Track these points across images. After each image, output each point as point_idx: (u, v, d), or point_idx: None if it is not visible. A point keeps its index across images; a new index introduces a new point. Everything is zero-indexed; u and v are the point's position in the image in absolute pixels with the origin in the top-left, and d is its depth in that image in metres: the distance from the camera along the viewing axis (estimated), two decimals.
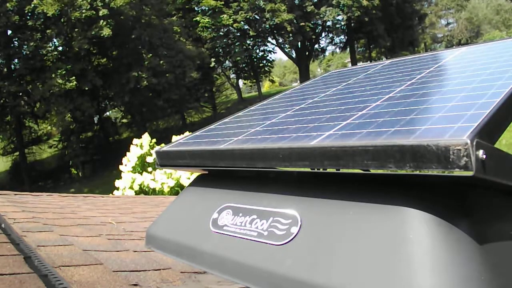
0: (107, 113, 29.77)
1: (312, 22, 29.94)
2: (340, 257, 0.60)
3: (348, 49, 36.43)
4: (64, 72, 21.02)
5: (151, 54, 22.67)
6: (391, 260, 0.55)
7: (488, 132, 0.56)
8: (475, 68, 0.96)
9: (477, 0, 49.89)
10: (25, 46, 21.46)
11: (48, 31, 21.51)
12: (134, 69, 22.01)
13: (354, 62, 35.68)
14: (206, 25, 27.04)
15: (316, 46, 34.64)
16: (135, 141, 7.87)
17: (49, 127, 27.56)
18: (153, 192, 6.85)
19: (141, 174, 7.24)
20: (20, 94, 21.88)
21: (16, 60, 22.49)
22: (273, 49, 37.94)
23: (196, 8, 28.67)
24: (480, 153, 0.49)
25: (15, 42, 22.45)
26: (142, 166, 7.60)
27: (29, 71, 21.71)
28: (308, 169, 0.80)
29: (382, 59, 33.27)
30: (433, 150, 0.51)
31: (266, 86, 43.86)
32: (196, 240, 0.85)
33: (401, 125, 0.65)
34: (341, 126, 0.75)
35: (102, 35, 20.75)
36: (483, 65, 0.96)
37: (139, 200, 4.07)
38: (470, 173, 0.49)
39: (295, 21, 28.05)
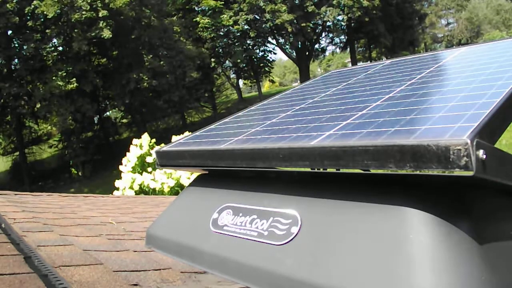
0: (107, 113, 29.77)
1: (312, 22, 29.96)
2: (340, 257, 0.60)
3: (348, 49, 36.44)
4: (64, 74, 21.03)
5: (151, 55, 22.68)
6: (391, 260, 0.55)
7: (488, 132, 0.55)
8: (475, 68, 0.96)
9: (477, 0, 49.90)
10: (25, 47, 21.46)
11: (47, 31, 21.51)
12: (135, 70, 22.02)
13: (354, 62, 35.69)
14: (206, 25, 27.04)
15: (316, 46, 34.66)
16: (134, 141, 7.88)
17: (49, 127, 27.58)
18: (153, 192, 6.85)
19: (141, 174, 7.24)
20: (21, 94, 21.89)
21: (16, 61, 22.49)
22: (273, 49, 37.98)
23: (196, 8, 28.68)
24: (480, 153, 0.49)
25: (15, 42, 22.46)
26: (141, 166, 7.61)
27: (29, 72, 21.72)
28: (308, 169, 0.80)
29: (382, 59, 33.29)
30: (433, 150, 0.51)
31: (266, 86, 43.86)
32: (196, 240, 0.85)
33: (401, 125, 0.65)
34: (341, 126, 0.75)
35: (102, 36, 20.76)
36: (483, 65, 0.96)
37: (139, 200, 4.07)
38: (470, 173, 0.49)
39: (295, 21, 28.05)
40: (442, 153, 0.50)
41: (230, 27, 27.83)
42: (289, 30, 28.39)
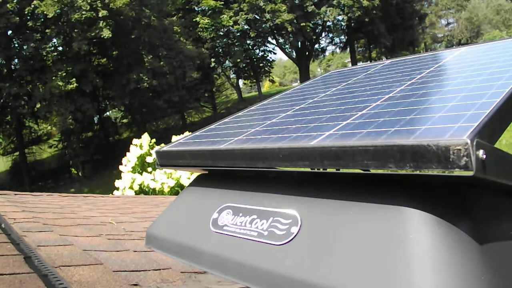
0: (107, 113, 29.78)
1: (312, 22, 29.97)
2: (340, 257, 0.60)
3: (348, 49, 36.45)
4: (64, 74, 21.05)
5: (151, 55, 22.69)
6: (391, 260, 0.55)
7: (488, 132, 0.55)
8: (475, 68, 0.96)
9: (477, 0, 49.91)
10: (25, 47, 21.47)
11: (47, 31, 21.53)
12: (135, 70, 22.03)
13: (354, 62, 35.70)
14: (206, 25, 27.06)
15: (316, 46, 34.68)
16: (134, 141, 7.88)
17: (49, 127, 27.60)
18: (153, 192, 6.85)
19: (141, 174, 7.24)
20: (21, 94, 21.91)
21: (16, 61, 22.50)
22: (273, 49, 38.01)
23: (196, 8, 28.69)
24: (480, 153, 0.49)
25: (15, 42, 22.47)
26: (141, 166, 7.61)
27: (29, 72, 21.73)
28: (308, 169, 0.80)
29: (382, 59, 33.28)
30: (433, 150, 0.51)
31: (266, 86, 43.87)
32: (196, 240, 0.85)
33: (401, 125, 0.65)
34: (341, 126, 0.75)
35: (102, 36, 20.78)
36: (483, 65, 0.96)
37: (139, 200, 4.07)
38: (470, 173, 0.49)
39: (295, 21, 28.06)
40: (442, 153, 0.50)
41: (230, 27, 27.84)
42: (289, 29, 28.39)
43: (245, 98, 35.31)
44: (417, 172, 0.56)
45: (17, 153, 24.80)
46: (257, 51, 32.00)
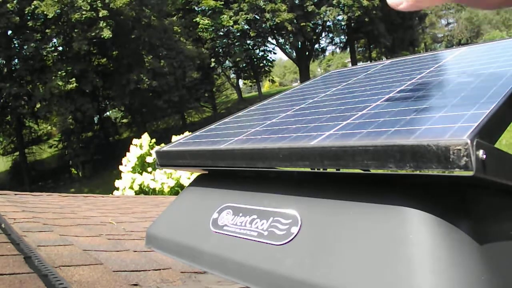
0: (107, 113, 29.79)
1: (312, 22, 29.99)
2: (340, 257, 0.60)
3: (348, 49, 36.48)
4: (64, 74, 21.07)
5: (151, 56, 22.71)
6: (391, 260, 0.55)
7: (488, 132, 0.55)
8: (475, 68, 0.96)
9: None
10: (25, 47, 21.48)
11: (47, 31, 21.55)
12: (135, 70, 22.05)
13: (354, 62, 35.71)
14: (206, 26, 27.09)
15: (316, 46, 34.70)
16: (134, 141, 7.88)
17: (49, 127, 27.63)
18: (153, 192, 6.85)
19: (141, 174, 7.25)
20: (21, 94, 21.92)
21: (16, 61, 22.51)
22: (273, 49, 38.06)
23: (196, 9, 28.70)
24: (480, 153, 0.49)
25: (15, 42, 22.48)
26: (141, 166, 7.61)
27: (29, 72, 21.74)
28: (308, 169, 0.80)
29: (382, 59, 33.27)
30: (433, 150, 0.51)
31: (266, 86, 43.87)
32: (196, 240, 0.85)
33: (401, 125, 0.65)
34: (341, 126, 0.75)
35: (102, 36, 20.79)
36: (483, 65, 0.96)
37: (139, 200, 4.07)
38: (470, 173, 0.48)
39: (295, 21, 28.09)
40: (442, 153, 0.50)
41: (230, 27, 27.86)
42: (289, 29, 28.41)
43: (245, 98, 35.33)
44: (417, 172, 0.56)
45: (17, 153, 24.82)
46: (257, 51, 32.02)
